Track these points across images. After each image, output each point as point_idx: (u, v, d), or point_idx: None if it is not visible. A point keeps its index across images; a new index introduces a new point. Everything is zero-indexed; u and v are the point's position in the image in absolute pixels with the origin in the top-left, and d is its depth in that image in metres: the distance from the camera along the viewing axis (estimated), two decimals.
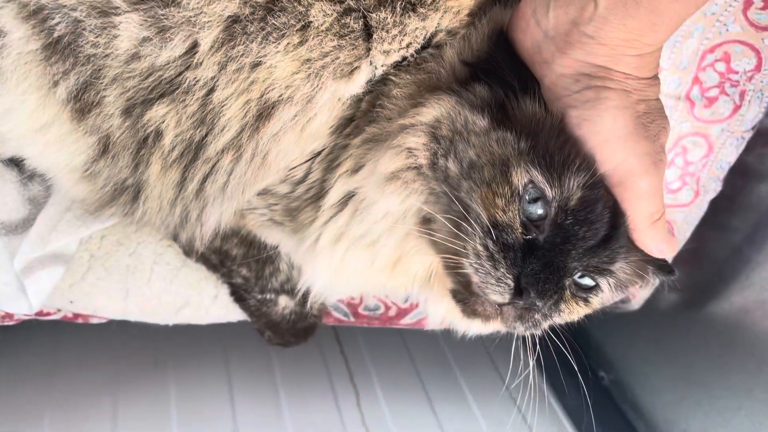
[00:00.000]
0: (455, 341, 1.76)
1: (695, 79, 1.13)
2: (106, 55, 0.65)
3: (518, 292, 0.64)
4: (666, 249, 0.69)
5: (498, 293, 0.65)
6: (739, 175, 1.30)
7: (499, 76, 0.70)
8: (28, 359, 1.46)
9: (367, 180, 0.73)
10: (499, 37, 0.71)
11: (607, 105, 0.63)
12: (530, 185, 0.65)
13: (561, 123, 0.68)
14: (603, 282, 0.70)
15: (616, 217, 0.67)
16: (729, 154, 1.21)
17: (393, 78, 0.72)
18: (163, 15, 0.63)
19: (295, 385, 1.55)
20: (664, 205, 0.68)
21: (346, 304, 1.25)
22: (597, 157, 0.65)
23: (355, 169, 0.74)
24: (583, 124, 0.65)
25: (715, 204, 1.31)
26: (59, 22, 0.64)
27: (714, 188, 1.26)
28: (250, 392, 1.51)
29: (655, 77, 0.65)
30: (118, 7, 0.63)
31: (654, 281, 0.78)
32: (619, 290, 0.72)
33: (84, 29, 0.64)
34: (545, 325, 0.71)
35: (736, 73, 1.12)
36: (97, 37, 0.64)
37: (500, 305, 0.68)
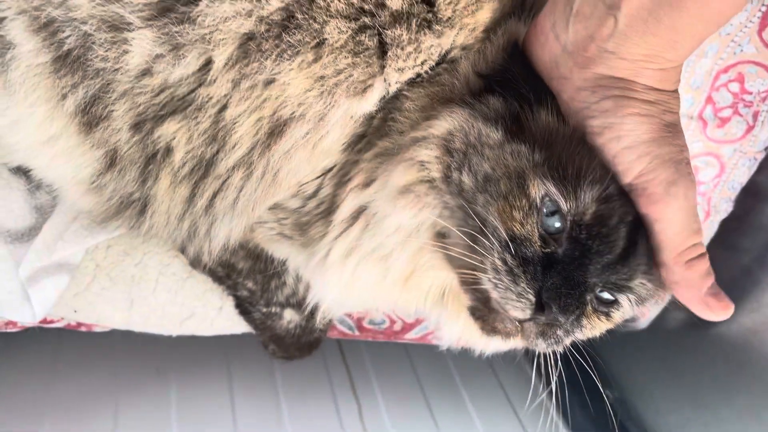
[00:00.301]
0: (459, 355, 1.75)
1: (708, 98, 1.12)
2: (116, 70, 0.64)
3: (540, 307, 0.63)
4: (716, 307, 0.62)
5: (519, 309, 0.63)
6: (750, 196, 1.29)
7: (514, 87, 0.69)
8: (29, 364, 1.46)
9: (379, 194, 0.72)
10: (514, 48, 0.71)
11: (630, 111, 0.61)
12: (547, 198, 0.64)
13: (575, 134, 0.67)
14: (623, 298, 0.68)
15: (635, 231, 0.65)
16: (741, 174, 1.21)
17: (405, 93, 0.71)
18: (177, 32, 0.62)
19: (297, 395, 1.55)
20: (702, 237, 0.62)
21: (351, 318, 1.25)
22: (619, 167, 0.63)
23: (367, 183, 0.73)
24: (604, 132, 0.63)
25: (725, 224, 1.30)
26: (69, 35, 0.64)
27: (725, 209, 1.25)
28: (252, 402, 1.50)
29: (676, 91, 0.63)
30: (131, 23, 0.62)
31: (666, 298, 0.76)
32: (640, 305, 0.70)
33: (93, 43, 0.64)
34: (567, 341, 0.69)
35: (750, 93, 1.12)
36: (106, 51, 0.64)
37: (521, 321, 0.66)
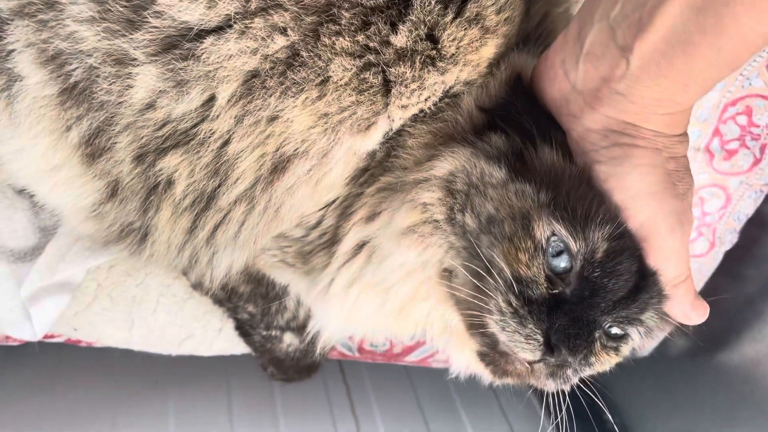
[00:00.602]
0: (461, 379, 1.74)
1: (716, 131, 1.12)
2: (120, 103, 0.65)
3: (549, 348, 0.63)
4: (693, 316, 0.67)
5: (528, 351, 0.63)
6: (756, 226, 1.29)
7: (517, 122, 0.69)
8: (30, 376, 1.46)
9: (382, 231, 0.72)
10: (518, 82, 0.70)
11: (636, 162, 0.61)
12: (553, 238, 0.64)
13: (582, 173, 0.66)
14: (633, 331, 0.68)
15: (645, 266, 0.65)
16: (747, 206, 1.20)
17: (408, 129, 0.71)
18: (181, 69, 0.62)
19: (297, 413, 1.54)
20: (690, 268, 0.66)
21: (351, 340, 1.25)
22: (623, 213, 0.64)
23: (370, 217, 0.73)
24: (610, 179, 0.63)
25: (730, 254, 1.29)
26: (76, 68, 0.64)
27: (730, 240, 1.25)
28: (251, 419, 1.50)
29: (685, 134, 0.63)
30: (135, 59, 0.62)
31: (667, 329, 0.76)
32: (648, 336, 0.70)
33: (98, 76, 0.64)
34: (576, 379, 0.69)
35: (758, 126, 1.11)
36: (110, 84, 0.64)
37: (531, 363, 0.66)
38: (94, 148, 0.67)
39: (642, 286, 0.65)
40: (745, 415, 1.35)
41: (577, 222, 0.63)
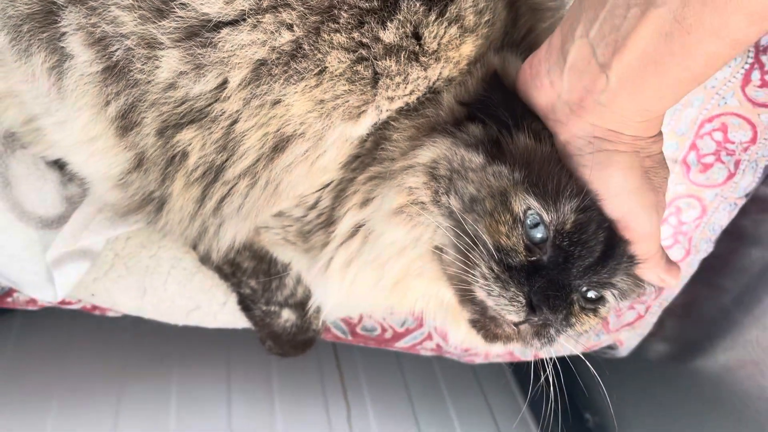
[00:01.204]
0: (449, 370, 1.82)
1: (692, 145, 1.20)
2: (149, 82, 0.73)
3: (531, 309, 0.69)
4: (669, 279, 0.77)
5: (513, 312, 0.70)
6: (734, 238, 1.35)
7: (494, 113, 0.76)
8: (44, 344, 1.54)
9: (375, 214, 0.80)
10: (493, 78, 0.77)
11: (618, 166, 0.69)
12: (530, 211, 0.71)
13: (553, 154, 0.74)
14: (607, 294, 0.76)
15: (614, 236, 0.73)
16: (722, 218, 1.27)
17: (393, 123, 0.79)
18: (200, 54, 0.71)
19: (291, 394, 1.62)
20: (661, 244, 0.76)
21: (344, 323, 1.32)
22: (606, 207, 0.72)
23: (364, 203, 0.81)
24: (594, 181, 0.71)
25: (708, 263, 1.35)
26: (117, 49, 0.72)
27: (705, 249, 1.31)
28: (247, 396, 1.58)
29: (659, 133, 0.71)
30: (162, 43, 0.71)
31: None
32: (623, 299, 0.78)
33: (134, 57, 0.72)
34: (561, 339, 0.76)
35: (733, 143, 1.18)
36: (143, 65, 0.72)
37: (517, 324, 0.72)
38: (127, 122, 0.76)
39: (611, 254, 0.72)
40: (716, 419, 1.40)
41: (549, 196, 0.70)
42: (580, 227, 0.71)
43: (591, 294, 0.75)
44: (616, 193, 0.70)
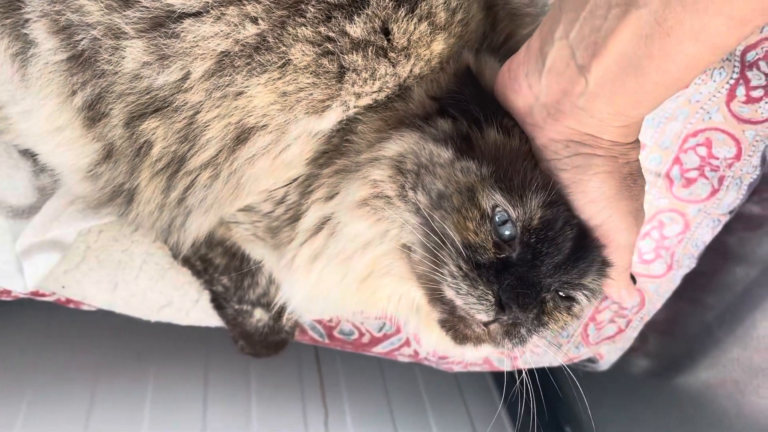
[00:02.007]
0: (430, 377, 1.81)
1: (676, 159, 1.19)
2: (115, 73, 0.73)
3: (501, 308, 0.68)
4: (627, 297, 0.78)
5: (482, 311, 0.68)
6: (719, 255, 1.34)
7: (465, 108, 0.75)
8: (18, 336, 1.53)
9: (339, 206, 0.79)
10: (466, 73, 0.77)
11: (596, 170, 0.68)
12: (498, 208, 0.70)
13: (521, 148, 0.73)
14: (578, 295, 0.75)
15: (584, 234, 0.72)
16: (705, 233, 1.26)
17: (360, 117, 0.78)
18: (164, 45, 0.71)
19: (268, 395, 1.61)
20: (631, 261, 0.75)
21: (322, 325, 1.31)
22: (584, 215, 0.71)
23: (330, 197, 0.80)
24: (572, 185, 0.70)
25: (692, 280, 1.35)
26: (83, 38, 0.72)
27: (688, 264, 1.30)
28: (224, 397, 1.57)
29: (637, 141, 0.70)
30: (126, 33, 0.71)
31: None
32: (595, 299, 0.77)
33: (100, 47, 0.72)
34: (533, 338, 0.74)
35: (717, 158, 1.18)
36: (110, 55, 0.72)
37: (486, 324, 0.71)
38: (94, 113, 0.75)
39: (582, 255, 0.71)
40: None
41: (515, 191, 0.69)
42: (547, 224, 0.70)
43: (562, 294, 0.74)
44: (595, 199, 0.69)
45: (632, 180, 0.70)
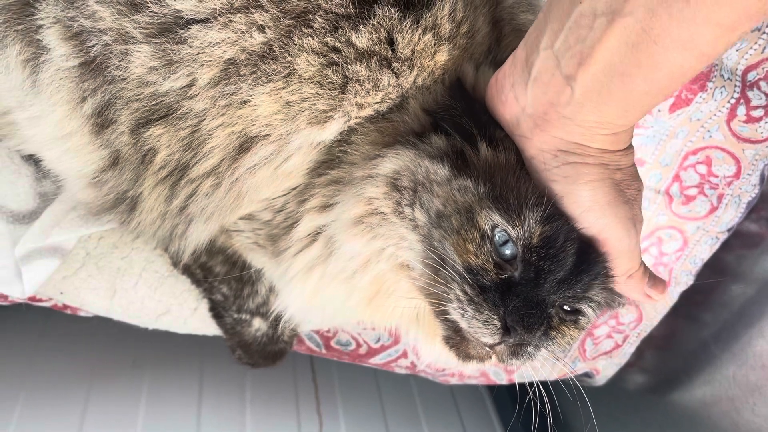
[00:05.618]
0: (426, 388, 1.80)
1: (676, 176, 1.19)
2: (124, 79, 0.73)
3: (506, 330, 0.67)
4: (653, 294, 0.74)
5: (488, 335, 0.68)
6: (717, 273, 1.35)
7: (458, 123, 0.73)
8: (14, 340, 1.52)
9: (334, 223, 0.79)
10: (458, 86, 0.76)
11: (587, 179, 0.67)
12: (497, 228, 0.69)
13: (511, 162, 0.72)
14: (584, 307, 0.74)
15: (586, 249, 0.70)
16: (703, 251, 1.27)
17: (356, 127, 0.77)
18: (171, 50, 0.71)
19: (263, 405, 1.60)
20: (642, 261, 0.73)
21: (319, 336, 1.31)
22: (581, 223, 0.70)
23: (324, 207, 0.80)
24: (565, 196, 0.69)
25: (689, 297, 1.35)
26: (95, 44, 0.72)
27: (686, 281, 1.31)
28: (218, 404, 1.56)
29: (629, 147, 0.69)
30: (134, 38, 0.71)
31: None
32: (601, 310, 0.76)
33: (111, 53, 0.72)
34: (541, 353, 0.74)
35: (716, 176, 1.19)
36: (120, 61, 0.72)
37: (491, 346, 0.71)
38: (103, 119, 0.75)
39: (584, 268, 0.70)
40: None
41: (512, 210, 0.69)
42: (548, 241, 0.69)
43: (567, 308, 0.74)
44: (589, 208, 0.69)
45: (626, 185, 0.69)
